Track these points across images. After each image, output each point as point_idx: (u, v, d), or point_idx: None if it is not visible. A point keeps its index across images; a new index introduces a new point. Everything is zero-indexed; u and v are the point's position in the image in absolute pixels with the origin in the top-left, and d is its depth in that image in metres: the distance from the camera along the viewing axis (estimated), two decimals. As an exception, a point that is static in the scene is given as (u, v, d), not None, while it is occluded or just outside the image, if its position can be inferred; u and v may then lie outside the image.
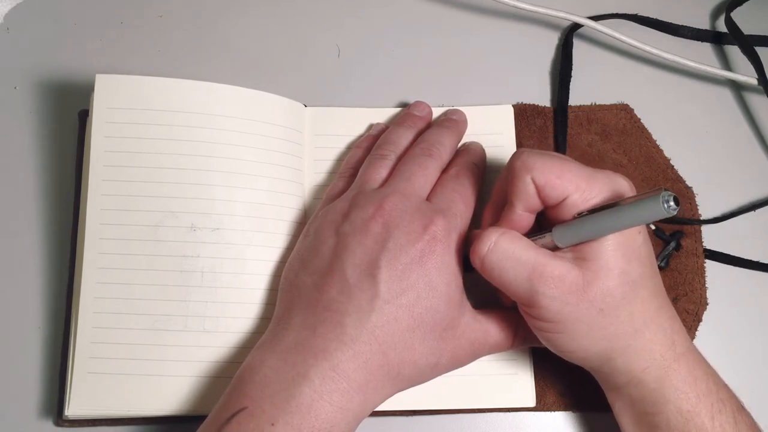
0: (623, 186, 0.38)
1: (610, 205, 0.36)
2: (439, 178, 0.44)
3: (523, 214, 0.39)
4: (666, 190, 0.33)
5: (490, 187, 0.46)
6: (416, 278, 0.39)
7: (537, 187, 0.38)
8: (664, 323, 0.39)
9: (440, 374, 0.41)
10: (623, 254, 0.37)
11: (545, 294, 0.37)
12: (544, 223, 0.40)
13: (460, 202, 0.42)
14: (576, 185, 0.37)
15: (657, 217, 0.34)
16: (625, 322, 0.38)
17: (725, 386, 0.39)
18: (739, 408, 0.39)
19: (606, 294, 0.37)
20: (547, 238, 0.39)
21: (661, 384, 0.38)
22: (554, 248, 0.39)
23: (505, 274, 0.38)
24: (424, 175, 0.43)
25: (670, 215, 0.33)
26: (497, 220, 0.41)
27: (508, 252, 0.38)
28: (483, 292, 0.46)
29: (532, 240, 0.39)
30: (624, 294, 0.37)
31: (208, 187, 0.43)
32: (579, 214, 0.37)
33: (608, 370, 0.39)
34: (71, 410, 0.41)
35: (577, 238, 0.37)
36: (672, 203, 0.33)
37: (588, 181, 0.37)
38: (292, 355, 0.37)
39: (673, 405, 0.38)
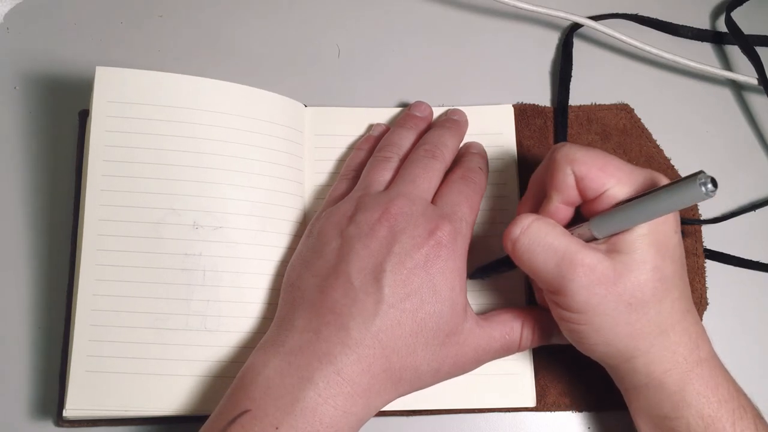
0: (663, 181, 0.38)
1: (648, 192, 0.36)
2: (445, 180, 0.44)
3: (560, 206, 0.39)
4: (704, 172, 0.33)
5: (491, 188, 0.46)
6: (420, 283, 0.39)
7: (577, 178, 0.38)
8: (689, 327, 0.38)
9: (442, 380, 0.41)
10: (657, 250, 0.37)
11: (573, 281, 0.37)
12: (580, 220, 0.40)
13: (466, 205, 0.42)
14: (617, 178, 0.37)
15: (695, 199, 0.33)
16: (653, 321, 0.37)
17: (744, 394, 0.39)
18: (758, 415, 0.38)
19: (636, 288, 0.37)
20: (583, 228, 0.38)
21: (683, 388, 0.38)
22: (590, 239, 0.38)
23: (534, 258, 0.38)
24: (428, 178, 0.43)
25: (709, 197, 0.33)
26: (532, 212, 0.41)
27: (540, 237, 0.38)
28: (486, 298, 0.46)
29: (569, 230, 0.39)
30: (654, 290, 0.37)
31: (210, 185, 0.43)
32: (618, 204, 0.37)
33: (628, 368, 0.39)
34: (69, 410, 0.41)
35: (615, 227, 0.37)
36: (710, 185, 0.32)
37: (629, 175, 0.38)
38: (297, 357, 0.37)
39: (695, 410, 0.37)
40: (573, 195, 0.39)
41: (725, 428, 0.37)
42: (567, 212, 0.40)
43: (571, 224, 0.40)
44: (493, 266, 0.43)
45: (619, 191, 0.37)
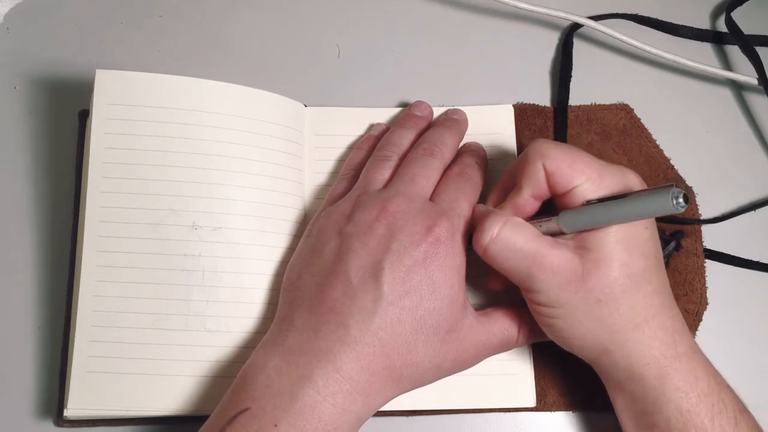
0: (633, 181, 0.38)
1: (620, 195, 0.37)
2: (443, 176, 0.44)
3: (529, 199, 0.40)
4: (677, 186, 0.34)
5: (490, 186, 0.46)
6: (419, 280, 0.39)
7: (547, 173, 0.39)
8: (665, 321, 0.39)
9: (443, 377, 0.41)
10: (625, 247, 0.37)
11: (543, 281, 0.38)
12: (551, 212, 0.40)
13: (464, 201, 0.42)
14: (587, 176, 0.38)
15: (664, 212, 0.34)
16: (625, 316, 0.38)
17: (727, 387, 0.39)
18: (741, 409, 0.38)
19: (604, 285, 0.37)
20: (552, 223, 0.39)
21: (662, 382, 0.38)
22: (558, 233, 0.39)
23: (506, 263, 0.39)
24: (426, 175, 0.43)
25: (678, 212, 0.33)
26: (502, 201, 0.42)
27: (509, 243, 0.38)
28: (485, 293, 0.46)
29: (538, 222, 0.39)
30: (624, 287, 0.38)
31: (209, 186, 0.43)
32: (588, 202, 0.38)
33: (606, 362, 0.39)
34: (70, 410, 0.41)
35: (582, 225, 0.38)
36: (681, 200, 0.33)
37: (599, 173, 0.38)
38: (296, 356, 0.37)
39: (674, 404, 0.38)
40: (543, 189, 0.39)
41: (704, 423, 0.37)
42: (534, 205, 0.41)
43: (541, 215, 0.41)
44: None
45: (587, 188, 0.38)
